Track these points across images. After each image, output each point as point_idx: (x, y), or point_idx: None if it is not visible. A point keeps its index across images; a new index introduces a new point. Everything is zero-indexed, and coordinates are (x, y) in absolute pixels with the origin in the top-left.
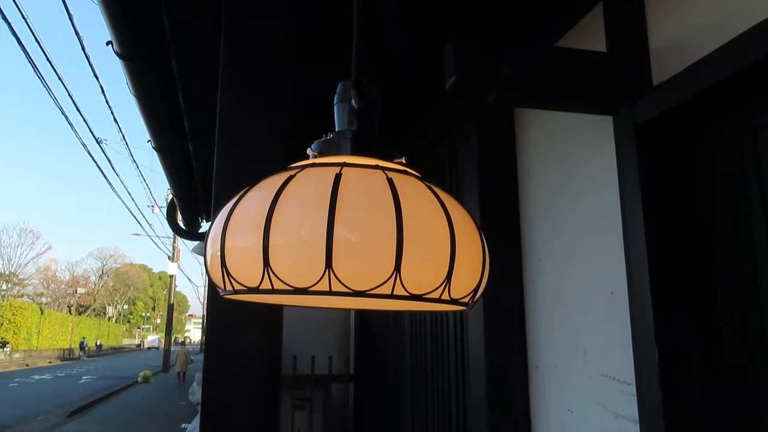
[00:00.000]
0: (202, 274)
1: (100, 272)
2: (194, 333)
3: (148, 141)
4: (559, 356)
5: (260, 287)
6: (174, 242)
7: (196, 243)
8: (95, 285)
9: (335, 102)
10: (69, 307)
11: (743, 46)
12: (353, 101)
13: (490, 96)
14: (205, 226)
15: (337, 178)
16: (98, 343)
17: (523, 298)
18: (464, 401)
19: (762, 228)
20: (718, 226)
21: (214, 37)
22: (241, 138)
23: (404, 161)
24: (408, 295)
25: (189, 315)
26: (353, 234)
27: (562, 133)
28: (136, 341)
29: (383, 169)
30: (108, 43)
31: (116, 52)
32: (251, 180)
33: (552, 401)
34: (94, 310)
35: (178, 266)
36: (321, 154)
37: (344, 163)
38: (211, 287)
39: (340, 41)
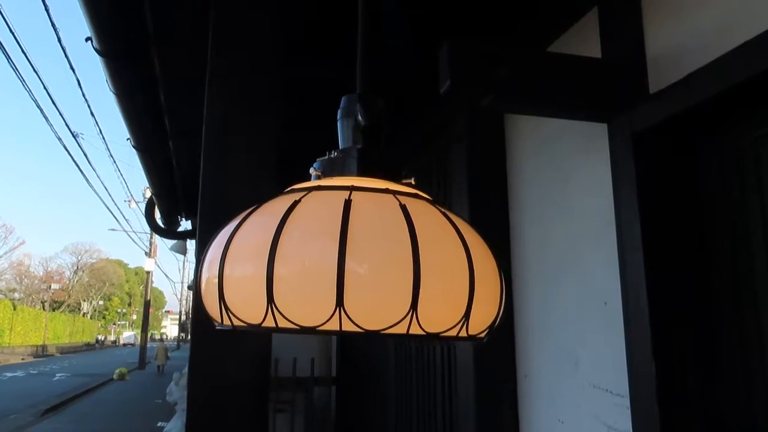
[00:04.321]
0: (179, 270)
1: (75, 268)
2: (171, 329)
3: (128, 139)
4: (550, 366)
5: (263, 325)
6: (151, 238)
7: (175, 241)
8: (70, 280)
9: (338, 117)
10: (43, 302)
11: (745, 57)
12: (359, 117)
13: (485, 101)
14: (184, 224)
15: (347, 204)
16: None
17: (512, 305)
18: (451, 406)
19: (761, 239)
20: (717, 236)
21: (199, 34)
22: (230, 139)
23: (413, 182)
24: (424, 334)
25: (166, 311)
26: (366, 268)
27: (554, 138)
28: (112, 337)
29: (394, 193)
30: (87, 39)
31: (96, 49)
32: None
33: (542, 411)
34: (68, 306)
35: (155, 262)
36: (325, 174)
37: (353, 186)
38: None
39: (332, 38)
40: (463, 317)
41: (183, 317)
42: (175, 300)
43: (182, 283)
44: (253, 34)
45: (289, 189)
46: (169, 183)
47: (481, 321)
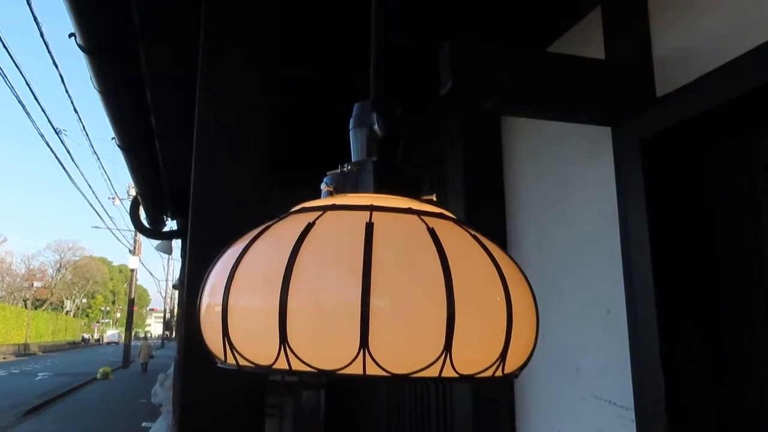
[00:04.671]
0: (164, 267)
1: (58, 265)
2: (155, 327)
3: (113, 138)
4: (550, 375)
5: (274, 366)
6: (135, 236)
7: (160, 241)
8: (52, 278)
9: (351, 126)
10: (25, 301)
11: (762, 61)
12: (374, 126)
13: (487, 104)
14: (170, 224)
15: (369, 228)
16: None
17: None
18: (446, 410)
19: None
20: (727, 242)
21: (188, 30)
22: (222, 138)
23: (434, 198)
24: (458, 376)
25: (150, 309)
26: (394, 303)
27: (555, 141)
28: (96, 336)
29: (419, 213)
30: (71, 35)
31: (79, 46)
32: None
33: (541, 422)
34: (51, 304)
35: (140, 260)
36: (338, 191)
37: (372, 206)
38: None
39: (327, 31)
40: (500, 356)
41: (168, 315)
42: (159, 298)
43: (167, 281)
44: (248, 28)
45: (299, 207)
46: (155, 182)
47: (517, 358)
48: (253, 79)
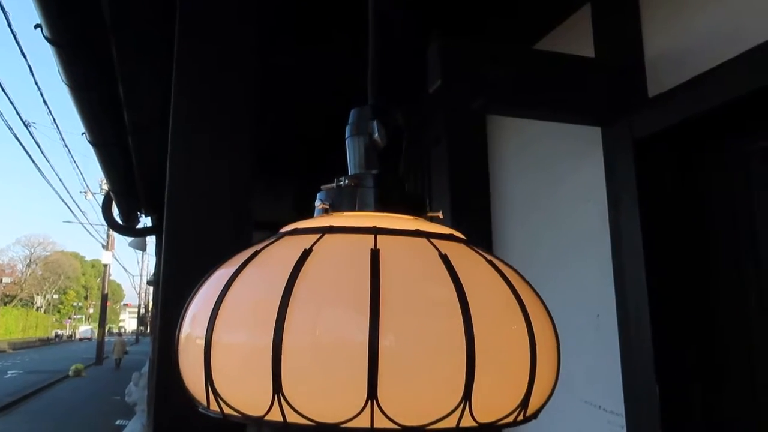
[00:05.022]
0: (138, 262)
1: (28, 260)
2: (130, 323)
3: (83, 134)
4: None
5: (266, 418)
6: (108, 231)
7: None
8: (22, 274)
9: (347, 135)
10: None
11: (757, 64)
12: (375, 135)
13: (475, 103)
14: (144, 221)
15: (375, 256)
16: None
17: None
18: None
19: None
20: (722, 247)
21: (161, 22)
22: (199, 134)
23: (441, 215)
24: (477, 426)
25: (124, 304)
26: (406, 346)
27: (541, 138)
28: (68, 332)
29: (428, 236)
30: (37, 26)
31: (46, 37)
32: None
33: (530, 425)
34: (21, 300)
35: (113, 255)
36: (335, 209)
37: (376, 228)
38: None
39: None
40: (523, 400)
41: (142, 311)
42: (134, 293)
43: (141, 276)
44: (226, 17)
45: (291, 228)
46: (128, 179)
47: (540, 398)
48: (232, 70)
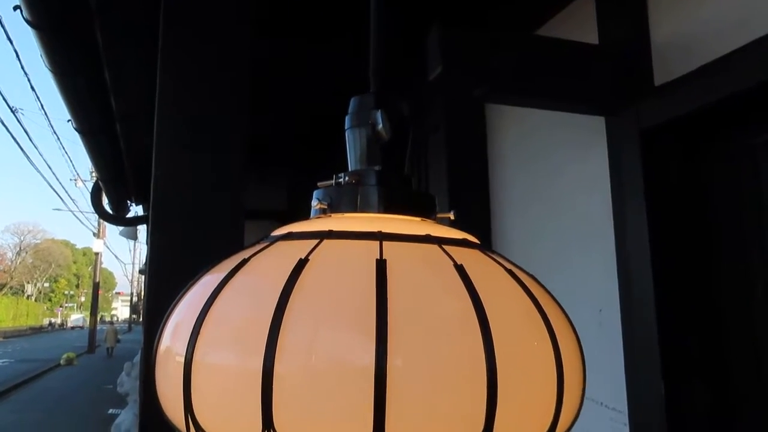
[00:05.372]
0: (130, 250)
1: (18, 248)
2: (122, 311)
3: (69, 121)
4: None
5: None
6: (99, 218)
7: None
8: (12, 262)
9: (347, 126)
10: None
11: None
12: (378, 127)
13: (477, 91)
14: (134, 210)
15: (381, 267)
16: None
17: None
18: None
19: None
20: (729, 240)
21: (148, 7)
22: (187, 120)
23: (452, 216)
24: None
25: (116, 292)
26: (418, 372)
27: (543, 128)
28: (59, 320)
29: (439, 242)
30: (16, 8)
31: (26, 20)
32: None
33: None
34: (11, 288)
35: (105, 243)
36: (333, 209)
37: (381, 233)
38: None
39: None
40: (549, 428)
41: (135, 299)
42: (126, 281)
43: (133, 264)
44: (213, 5)
45: (285, 231)
46: (117, 167)
47: (566, 422)
48: (221, 54)
